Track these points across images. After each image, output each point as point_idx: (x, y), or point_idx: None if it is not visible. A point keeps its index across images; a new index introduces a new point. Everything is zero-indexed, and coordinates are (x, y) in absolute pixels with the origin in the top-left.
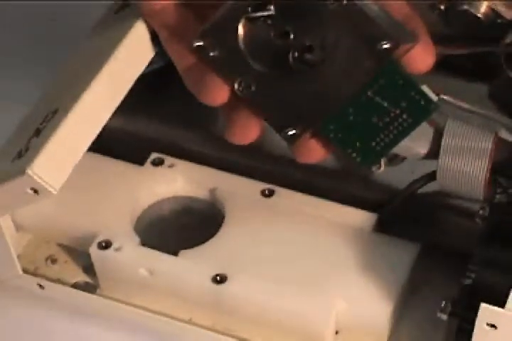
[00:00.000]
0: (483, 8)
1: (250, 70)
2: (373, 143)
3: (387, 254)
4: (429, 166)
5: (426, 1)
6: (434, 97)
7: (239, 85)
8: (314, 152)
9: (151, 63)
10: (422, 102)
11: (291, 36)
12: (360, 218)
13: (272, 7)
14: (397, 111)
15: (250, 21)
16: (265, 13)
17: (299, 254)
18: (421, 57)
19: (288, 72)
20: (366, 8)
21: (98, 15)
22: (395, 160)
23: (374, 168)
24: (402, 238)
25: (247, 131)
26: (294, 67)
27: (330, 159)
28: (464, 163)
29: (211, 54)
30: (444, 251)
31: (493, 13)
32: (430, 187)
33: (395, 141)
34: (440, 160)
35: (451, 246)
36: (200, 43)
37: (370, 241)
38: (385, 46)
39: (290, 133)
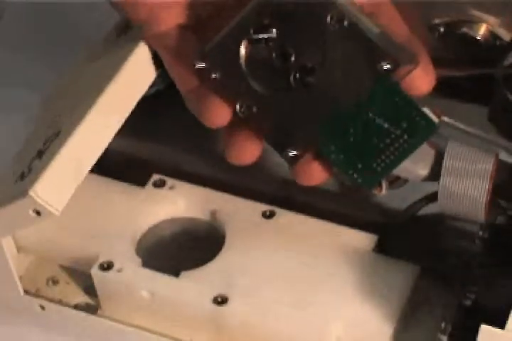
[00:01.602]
0: (482, 30)
1: (252, 91)
2: (374, 164)
3: (388, 276)
4: (430, 187)
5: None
6: (434, 118)
7: (240, 107)
8: (315, 174)
9: (152, 85)
10: (423, 123)
11: (293, 58)
12: (361, 239)
13: (273, 29)
14: (398, 132)
15: (252, 43)
16: (267, 35)
17: (299, 276)
18: (421, 79)
19: (289, 93)
20: (366, 29)
21: (98, 23)
22: (396, 182)
23: (376, 191)
24: (402, 259)
25: (247, 152)
26: (295, 88)
27: (330, 181)
28: (465, 185)
29: (213, 76)
30: (443, 273)
31: (492, 35)
32: (430, 208)
33: (397, 162)
34: (441, 181)
35: (451, 267)
36: (202, 65)
37: (371, 262)
38: (385, 67)
39: (291, 154)
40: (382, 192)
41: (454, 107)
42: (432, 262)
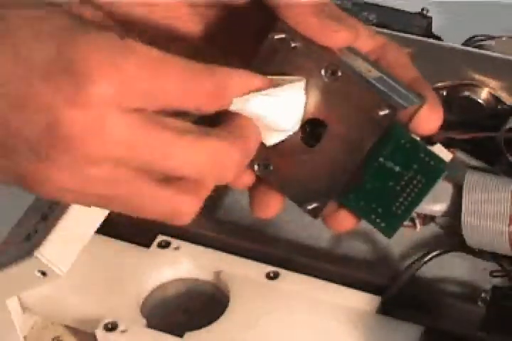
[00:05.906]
0: (484, 94)
1: (266, 150)
2: (394, 208)
3: (391, 337)
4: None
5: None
6: (445, 156)
7: (258, 167)
8: (344, 222)
9: None
10: (433, 163)
11: None
12: (364, 301)
13: None
14: (411, 174)
15: None
16: None
17: (302, 337)
18: (428, 118)
19: (301, 148)
20: (364, 75)
21: None
22: (425, 219)
23: (411, 228)
24: (405, 320)
25: (269, 206)
26: (306, 143)
27: (333, 243)
28: (487, 215)
29: None
30: (446, 335)
31: (494, 99)
32: (432, 272)
33: (416, 203)
34: (463, 214)
35: (453, 329)
36: None
37: (374, 323)
38: (383, 113)
39: (310, 207)
40: (417, 230)
41: None
42: (434, 324)
